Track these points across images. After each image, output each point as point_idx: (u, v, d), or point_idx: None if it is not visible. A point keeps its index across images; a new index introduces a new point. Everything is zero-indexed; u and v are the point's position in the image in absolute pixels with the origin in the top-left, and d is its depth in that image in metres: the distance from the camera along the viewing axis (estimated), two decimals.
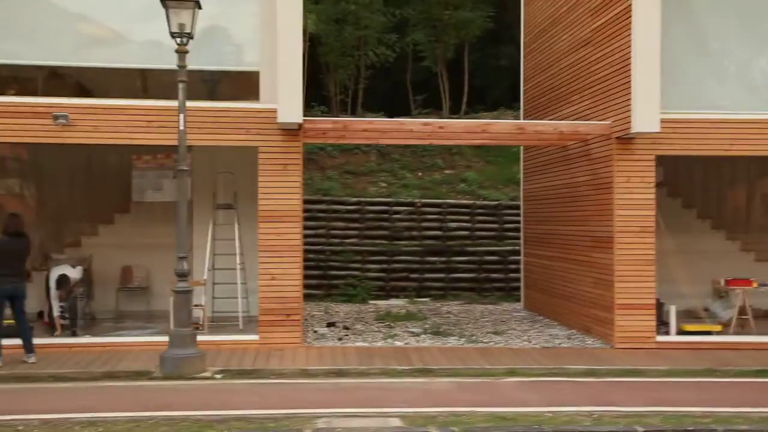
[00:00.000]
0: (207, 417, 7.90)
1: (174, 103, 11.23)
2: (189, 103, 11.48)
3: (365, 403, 8.54)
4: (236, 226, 13.18)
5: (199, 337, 10.61)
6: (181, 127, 10.00)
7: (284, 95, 10.96)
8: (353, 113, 24.61)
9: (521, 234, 17.13)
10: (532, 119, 15.84)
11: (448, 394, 9.09)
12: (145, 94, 12.07)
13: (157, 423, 7.71)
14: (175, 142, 11.38)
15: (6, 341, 10.47)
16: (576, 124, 12.47)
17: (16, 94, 11.75)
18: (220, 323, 12.90)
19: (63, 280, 12.23)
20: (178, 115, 10.06)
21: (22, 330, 10.60)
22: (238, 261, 13.07)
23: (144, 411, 8.10)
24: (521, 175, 17.33)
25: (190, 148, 13.04)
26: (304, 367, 10.40)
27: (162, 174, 14.33)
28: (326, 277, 18.54)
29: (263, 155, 11.58)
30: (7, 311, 10.59)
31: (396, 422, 7.72)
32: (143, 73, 12.26)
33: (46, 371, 10.04)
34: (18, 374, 9.94)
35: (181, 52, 9.95)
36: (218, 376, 9.90)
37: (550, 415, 8.03)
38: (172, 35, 9.93)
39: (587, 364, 10.56)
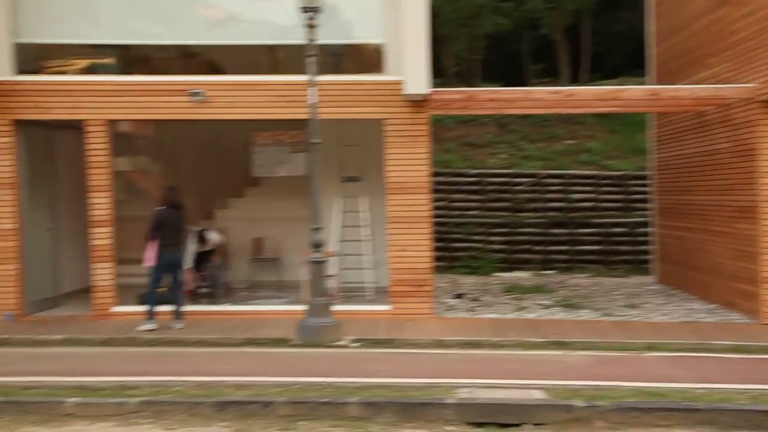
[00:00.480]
0: (350, 384, 7.99)
1: (302, 78, 11.38)
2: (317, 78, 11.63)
3: (503, 375, 8.45)
4: (363, 199, 13.27)
5: (332, 307, 10.77)
6: (313, 101, 10.07)
7: (411, 66, 10.88)
8: (469, 84, 24.35)
9: (653, 205, 16.54)
10: (662, 85, 15.21)
11: (587, 368, 8.90)
12: (274, 70, 12.20)
13: (302, 388, 7.86)
14: (303, 116, 11.55)
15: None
16: (717, 88, 11.89)
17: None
18: (349, 294, 13.05)
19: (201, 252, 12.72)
20: (309, 89, 10.13)
21: (176, 297, 11.06)
22: (365, 233, 13.17)
23: (288, 376, 8.28)
24: (651, 144, 16.72)
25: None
26: (438, 337, 10.39)
27: (280, 150, 14.56)
28: (449, 249, 18.47)
29: (390, 127, 11.57)
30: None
31: (538, 394, 7.59)
32: (271, 49, 12.39)
33: (193, 336, 10.43)
34: (168, 339, 10.38)
35: (311, 27, 10.01)
36: (354, 344, 10.02)
37: (702, 391, 7.73)
38: (302, 10, 10.00)
39: (734, 340, 10.10)
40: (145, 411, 7.36)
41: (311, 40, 10.04)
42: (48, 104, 11.62)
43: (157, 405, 7.40)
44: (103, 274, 11.77)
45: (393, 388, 7.86)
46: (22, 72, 11.79)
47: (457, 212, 19.38)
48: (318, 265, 10.14)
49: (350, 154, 13.62)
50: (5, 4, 11.52)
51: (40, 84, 11.68)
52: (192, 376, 8.29)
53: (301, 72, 11.47)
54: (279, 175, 14.69)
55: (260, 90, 11.59)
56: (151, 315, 10.90)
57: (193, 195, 15.23)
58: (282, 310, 11.94)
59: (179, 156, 14.95)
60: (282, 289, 13.98)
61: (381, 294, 12.68)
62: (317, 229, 10.22)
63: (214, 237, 12.99)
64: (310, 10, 9.91)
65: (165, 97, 11.58)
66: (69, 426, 7.15)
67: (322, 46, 11.34)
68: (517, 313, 12.26)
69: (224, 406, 7.37)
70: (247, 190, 14.97)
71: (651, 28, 16.23)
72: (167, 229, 10.95)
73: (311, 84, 10.05)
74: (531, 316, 12.02)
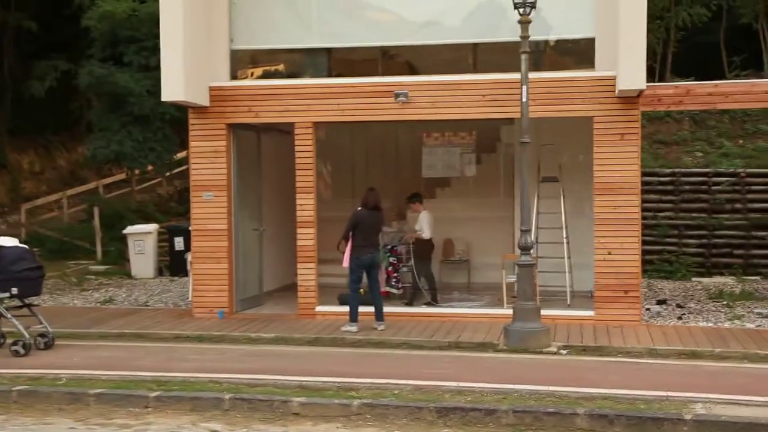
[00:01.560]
0: (571, 393, 7.71)
1: (505, 76, 11.21)
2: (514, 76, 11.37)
3: (733, 390, 7.86)
4: (561, 200, 12.88)
5: None
6: (524, 99, 9.83)
7: (626, 61, 10.38)
8: (661, 79, 23.21)
9: None
10: None
11: None
12: (473, 69, 12.05)
13: (522, 396, 7.65)
14: (509, 115, 11.36)
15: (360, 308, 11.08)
16: None
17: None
18: (546, 298, 12.68)
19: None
20: (521, 87, 9.89)
21: (375, 298, 11.16)
22: (564, 234, 12.77)
23: (502, 383, 8.08)
24: None
25: (511, 120, 13.04)
26: (651, 346, 9.88)
27: (449, 151, 14.38)
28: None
29: (599, 125, 11.13)
30: None
31: None
32: (471, 47, 12.23)
33: (397, 338, 10.45)
34: (372, 340, 10.45)
35: (524, 23, 9.77)
36: (564, 351, 9.69)
37: None
38: (515, 6, 9.78)
39: None
40: (367, 413, 7.39)
41: (524, 36, 9.79)
42: (260, 108, 12.03)
43: (378, 408, 7.42)
44: (308, 274, 12.05)
45: (619, 400, 7.50)
46: (234, 78, 12.28)
47: (648, 213, 18.45)
48: (527, 268, 9.89)
49: (548, 153, 13.25)
50: (224, 13, 12.03)
51: (254, 88, 12.12)
52: (405, 379, 8.25)
53: (502, 70, 11.34)
54: (443, 176, 14.56)
55: (463, 90, 11.47)
56: (353, 316, 11.03)
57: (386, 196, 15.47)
58: (480, 313, 11.79)
59: (373, 157, 15.15)
60: (473, 291, 13.84)
61: (577, 299, 12.27)
62: (526, 231, 9.96)
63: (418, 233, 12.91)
64: (525, 6, 9.66)
65: (369, 98, 11.70)
66: (296, 425, 7.27)
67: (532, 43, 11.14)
68: (732, 322, 11.47)
69: (447, 413, 7.27)
70: (439, 190, 14.91)
71: None
72: (364, 231, 11.03)
73: (524, 81, 9.79)
74: (750, 325, 11.21)
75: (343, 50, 12.55)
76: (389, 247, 13.15)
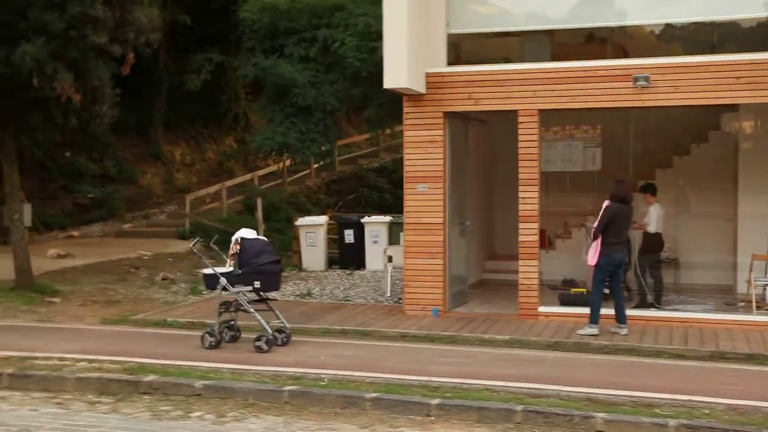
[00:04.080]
0: None
1: (762, 57, 10.17)
2: None
3: None
4: None
5: None
6: None
7: None
8: None
9: None
10: None
11: None
12: (718, 49, 11.03)
13: None
14: (763, 100, 10.33)
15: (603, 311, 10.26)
16: None
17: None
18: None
19: None
20: None
21: (618, 299, 10.32)
22: None
23: None
24: None
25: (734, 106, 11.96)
26: None
27: (570, 145, 13.24)
28: None
29: None
30: None
31: None
32: (716, 26, 11.19)
33: (649, 345, 9.57)
34: (621, 346, 9.59)
35: None
36: None
37: None
38: None
39: None
40: None
41: None
42: (480, 95, 11.32)
43: (699, 430, 6.57)
44: (530, 272, 11.28)
45: None
46: (451, 63, 11.62)
47: None
48: None
49: None
50: None
51: (474, 74, 11.39)
52: (705, 395, 7.37)
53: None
54: (563, 170, 13.39)
55: (712, 72, 10.43)
56: (594, 318, 10.20)
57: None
58: (722, 319, 10.75)
59: None
60: (687, 294, 12.75)
61: None
62: None
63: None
64: None
65: (603, 83, 10.80)
66: None
67: None
68: None
69: None
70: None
71: None
72: (616, 226, 10.19)
73: None
74: None
75: (567, 32, 11.68)
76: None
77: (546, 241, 13.46)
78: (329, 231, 18.38)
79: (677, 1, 11.02)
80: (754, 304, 10.94)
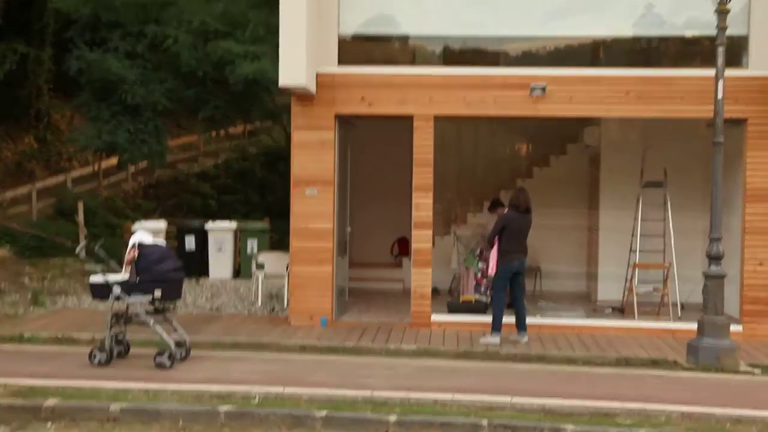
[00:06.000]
0: None
1: (654, 72, 10.65)
2: (670, 72, 10.83)
3: None
4: (666, 206, 12.29)
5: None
6: (719, 96, 9.14)
7: None
8: None
9: None
10: None
11: None
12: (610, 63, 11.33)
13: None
14: (657, 114, 10.78)
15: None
16: None
17: None
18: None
19: None
20: (716, 83, 9.19)
21: (519, 307, 10.24)
22: (668, 242, 12.16)
23: (724, 408, 7.25)
24: None
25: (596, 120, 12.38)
26: None
27: None
28: None
29: (753, 127, 10.59)
30: None
31: None
32: (615, 41, 11.50)
33: (559, 353, 9.57)
34: (531, 355, 9.50)
35: (723, 12, 9.09)
36: (756, 371, 9.03)
37: None
38: None
39: None
40: None
41: (722, 27, 9.10)
42: (374, 98, 10.88)
43: None
44: (423, 279, 10.99)
45: None
46: (342, 64, 11.09)
47: None
48: (716, 279, 9.18)
49: (651, 157, 12.59)
50: None
51: (368, 76, 10.90)
52: (656, 403, 7.35)
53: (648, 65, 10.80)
54: None
55: (605, 85, 10.71)
56: (496, 325, 10.08)
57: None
58: (608, 326, 11.02)
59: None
60: (549, 301, 13.04)
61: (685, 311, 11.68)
62: (717, 239, 9.25)
63: None
64: None
65: (499, 91, 10.78)
66: None
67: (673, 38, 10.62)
68: None
69: None
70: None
71: None
72: (511, 235, 10.14)
73: (720, 76, 9.11)
74: None
75: (466, 39, 11.52)
76: (478, 251, 12.25)
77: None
78: (167, 237, 17.12)
79: (570, 15, 11.22)
80: (635, 311, 11.34)
